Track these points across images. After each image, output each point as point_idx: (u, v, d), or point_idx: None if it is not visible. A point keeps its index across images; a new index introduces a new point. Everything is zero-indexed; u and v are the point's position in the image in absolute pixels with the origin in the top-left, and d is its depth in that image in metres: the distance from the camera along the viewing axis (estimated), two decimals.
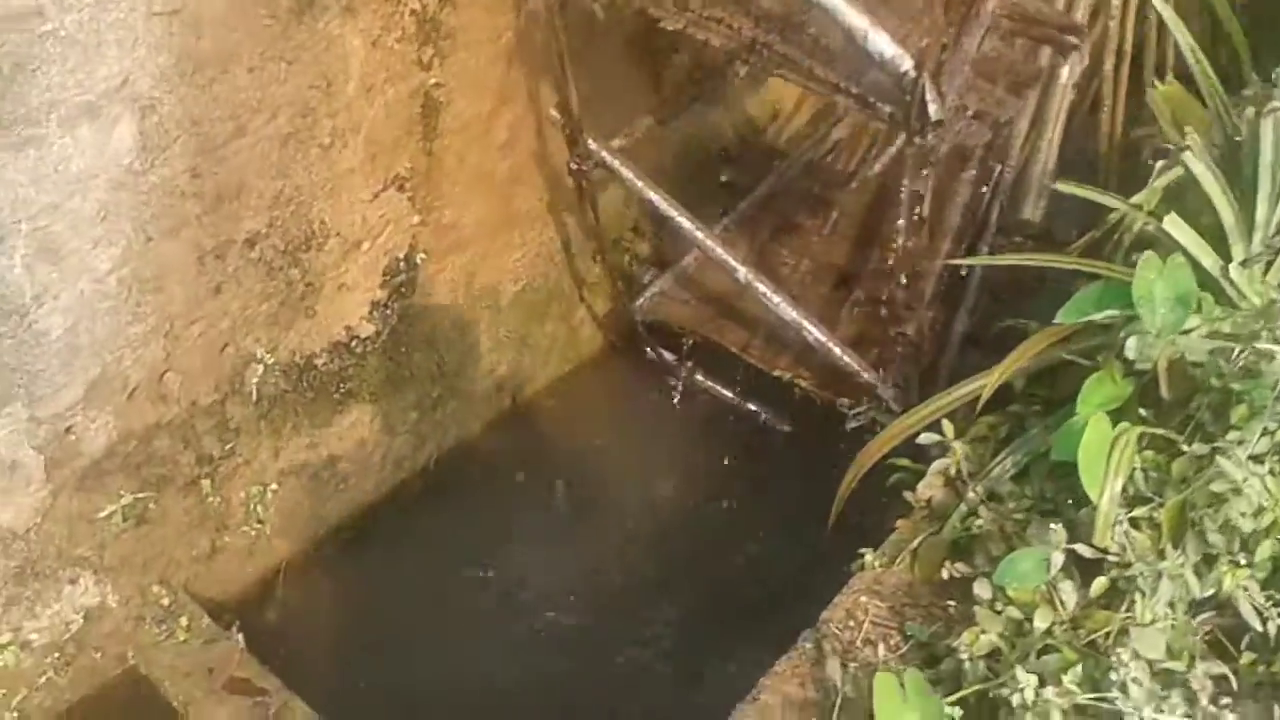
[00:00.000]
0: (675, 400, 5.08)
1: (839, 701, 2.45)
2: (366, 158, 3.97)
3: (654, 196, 4.24)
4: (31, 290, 3.21)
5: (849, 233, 4.98)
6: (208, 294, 3.70)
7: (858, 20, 3.10)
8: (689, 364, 5.01)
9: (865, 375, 4.17)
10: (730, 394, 5.01)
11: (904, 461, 3.20)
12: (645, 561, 4.63)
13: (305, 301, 4.04)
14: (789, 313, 4.19)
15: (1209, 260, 2.89)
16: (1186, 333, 2.78)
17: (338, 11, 3.59)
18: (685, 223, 4.25)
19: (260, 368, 3.98)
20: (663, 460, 5.01)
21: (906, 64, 3.09)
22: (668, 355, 5.02)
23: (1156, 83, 3.61)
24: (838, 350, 4.20)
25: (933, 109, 3.09)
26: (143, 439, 3.72)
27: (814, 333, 4.19)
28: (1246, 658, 2.53)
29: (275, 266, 3.86)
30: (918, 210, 3.46)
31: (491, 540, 4.66)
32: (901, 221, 3.48)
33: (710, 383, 5.05)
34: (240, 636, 3.87)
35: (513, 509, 4.82)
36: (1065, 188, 3.34)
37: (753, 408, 4.98)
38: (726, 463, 4.96)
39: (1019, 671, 2.34)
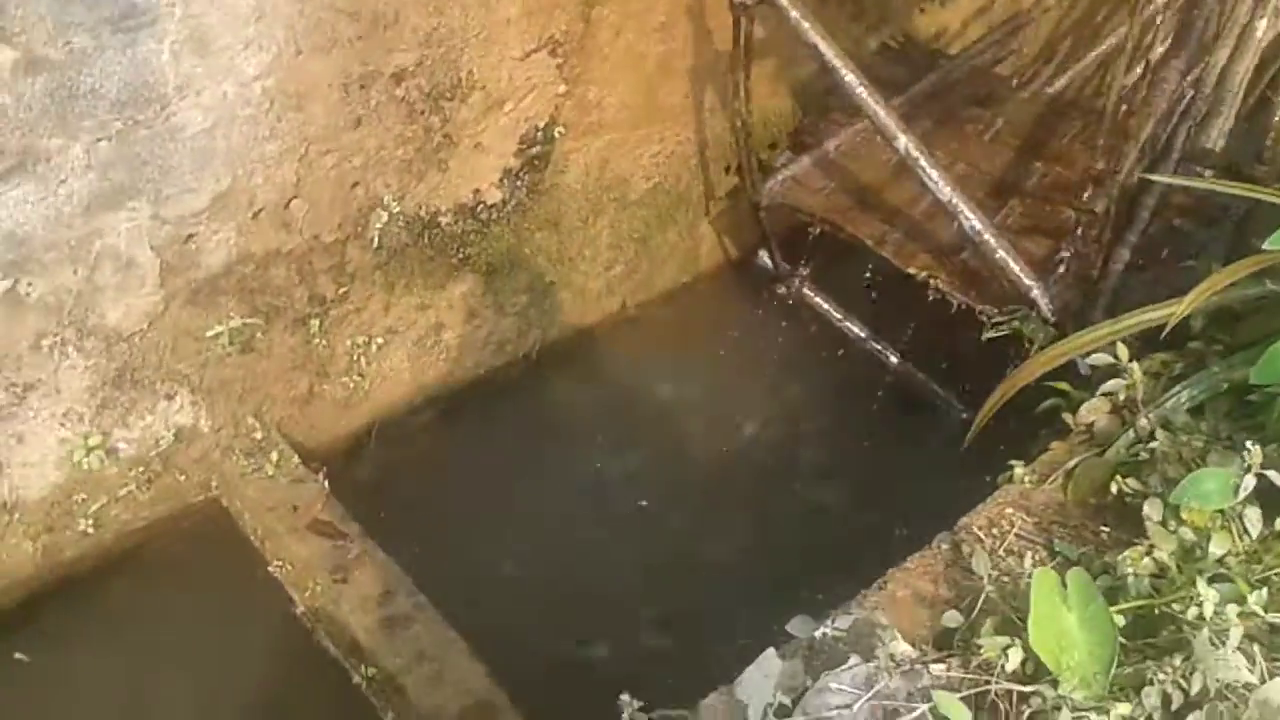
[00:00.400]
0: (778, 302, 4.83)
1: (980, 601, 2.24)
2: (524, 12, 3.82)
3: (819, 41, 3.89)
4: (175, 81, 3.10)
5: (1011, 142, 4.67)
6: (347, 125, 3.58)
7: None
8: (802, 274, 4.78)
9: (1021, 275, 3.83)
10: (839, 314, 4.81)
11: (1063, 385, 2.98)
12: (739, 477, 4.47)
13: (440, 154, 3.90)
14: (946, 192, 3.85)
15: None
16: None
17: None
18: (849, 75, 3.89)
19: (385, 215, 3.86)
20: (768, 382, 4.82)
21: None
22: (782, 262, 4.79)
23: None
24: (993, 242, 3.83)
25: None
26: (261, 264, 3.61)
27: (971, 220, 3.83)
28: None
29: (417, 110, 3.73)
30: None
31: (583, 436, 4.53)
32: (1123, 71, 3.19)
33: (819, 298, 4.83)
34: (326, 483, 3.78)
35: (609, 410, 4.68)
36: None
37: (864, 333, 4.79)
38: (834, 389, 4.78)
39: (1200, 585, 2.14)
